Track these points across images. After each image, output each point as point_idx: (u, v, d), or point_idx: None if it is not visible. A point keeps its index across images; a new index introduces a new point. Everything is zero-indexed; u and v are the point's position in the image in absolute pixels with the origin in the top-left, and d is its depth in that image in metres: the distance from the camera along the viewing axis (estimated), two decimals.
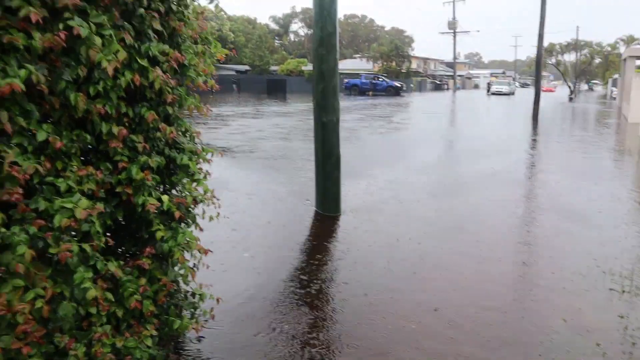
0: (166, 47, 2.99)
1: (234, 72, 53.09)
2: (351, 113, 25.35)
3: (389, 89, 49.85)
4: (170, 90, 3.02)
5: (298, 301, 4.37)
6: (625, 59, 32.72)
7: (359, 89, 50.66)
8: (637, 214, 7.40)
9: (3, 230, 2.23)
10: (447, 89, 73.96)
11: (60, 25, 2.35)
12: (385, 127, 19.50)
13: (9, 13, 2.22)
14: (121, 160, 2.74)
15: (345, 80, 52.28)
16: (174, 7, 3.13)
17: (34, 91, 2.33)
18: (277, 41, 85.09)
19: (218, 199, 3.39)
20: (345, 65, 73.06)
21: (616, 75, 47.36)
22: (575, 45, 58.50)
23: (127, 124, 2.82)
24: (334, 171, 6.77)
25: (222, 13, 58.46)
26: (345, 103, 34.96)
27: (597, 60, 61.54)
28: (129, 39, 2.66)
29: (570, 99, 48.77)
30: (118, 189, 2.76)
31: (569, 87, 54.21)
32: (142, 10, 2.82)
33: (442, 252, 5.62)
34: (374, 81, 50.71)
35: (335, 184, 6.84)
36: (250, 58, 60.43)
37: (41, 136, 2.35)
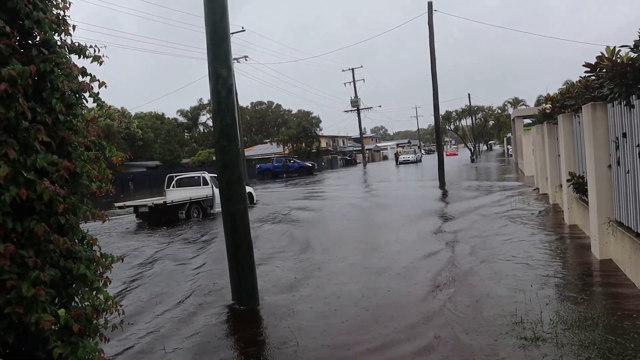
0: (55, 158, 2.98)
1: (145, 169, 52.11)
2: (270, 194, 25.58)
3: (301, 170, 51.16)
4: (62, 200, 2.97)
5: None
6: (514, 119, 36.37)
7: (271, 173, 51.51)
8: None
9: None
10: (358, 163, 77.09)
11: None
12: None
13: None
14: (10, 279, 2.62)
15: (258, 166, 53.12)
16: (62, 118, 3.15)
17: None
18: (186, 134, 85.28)
19: (121, 306, 3.28)
20: (257, 150, 74.71)
21: (509, 134, 52.19)
22: (469, 111, 64.13)
23: (15, 240, 2.72)
24: (247, 259, 6.68)
25: (128, 112, 58.36)
26: (259, 187, 35.18)
27: (491, 122, 67.57)
28: (12, 154, 2.64)
29: (472, 160, 52.81)
30: (7, 310, 2.61)
31: (469, 149, 58.80)
32: (26, 124, 2.82)
33: None
34: (285, 164, 51.90)
35: (249, 272, 6.70)
36: (161, 153, 59.95)
37: None
